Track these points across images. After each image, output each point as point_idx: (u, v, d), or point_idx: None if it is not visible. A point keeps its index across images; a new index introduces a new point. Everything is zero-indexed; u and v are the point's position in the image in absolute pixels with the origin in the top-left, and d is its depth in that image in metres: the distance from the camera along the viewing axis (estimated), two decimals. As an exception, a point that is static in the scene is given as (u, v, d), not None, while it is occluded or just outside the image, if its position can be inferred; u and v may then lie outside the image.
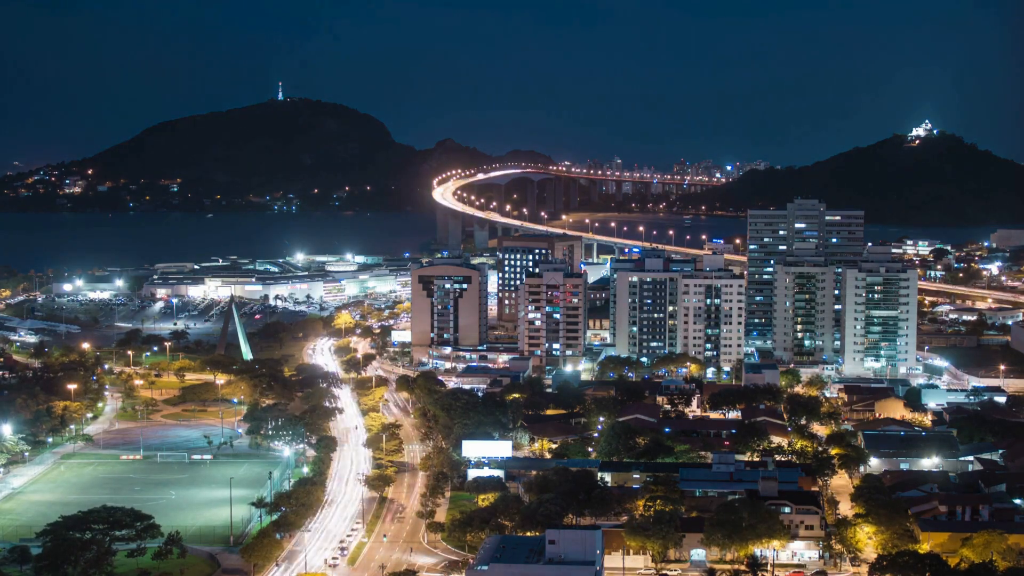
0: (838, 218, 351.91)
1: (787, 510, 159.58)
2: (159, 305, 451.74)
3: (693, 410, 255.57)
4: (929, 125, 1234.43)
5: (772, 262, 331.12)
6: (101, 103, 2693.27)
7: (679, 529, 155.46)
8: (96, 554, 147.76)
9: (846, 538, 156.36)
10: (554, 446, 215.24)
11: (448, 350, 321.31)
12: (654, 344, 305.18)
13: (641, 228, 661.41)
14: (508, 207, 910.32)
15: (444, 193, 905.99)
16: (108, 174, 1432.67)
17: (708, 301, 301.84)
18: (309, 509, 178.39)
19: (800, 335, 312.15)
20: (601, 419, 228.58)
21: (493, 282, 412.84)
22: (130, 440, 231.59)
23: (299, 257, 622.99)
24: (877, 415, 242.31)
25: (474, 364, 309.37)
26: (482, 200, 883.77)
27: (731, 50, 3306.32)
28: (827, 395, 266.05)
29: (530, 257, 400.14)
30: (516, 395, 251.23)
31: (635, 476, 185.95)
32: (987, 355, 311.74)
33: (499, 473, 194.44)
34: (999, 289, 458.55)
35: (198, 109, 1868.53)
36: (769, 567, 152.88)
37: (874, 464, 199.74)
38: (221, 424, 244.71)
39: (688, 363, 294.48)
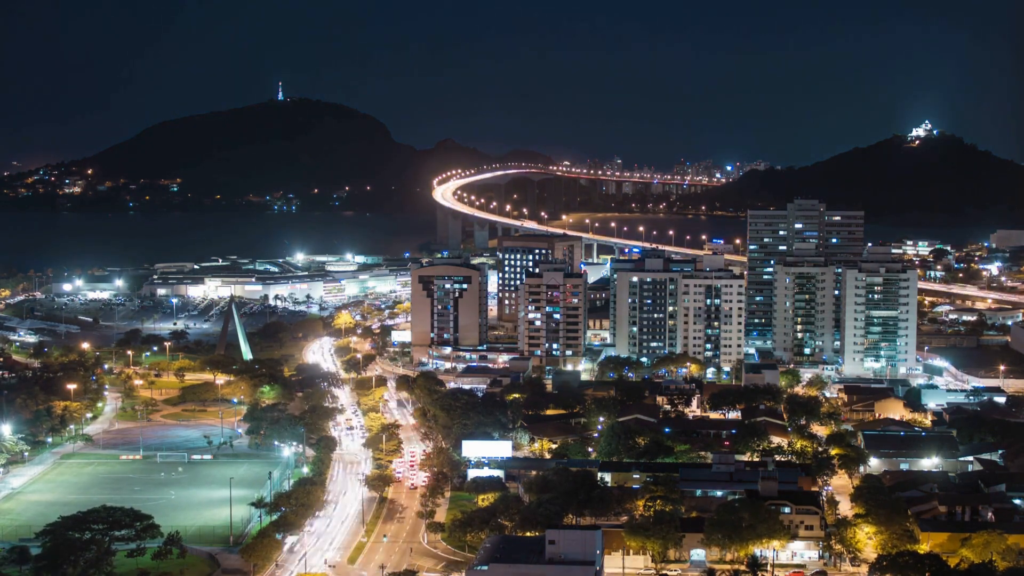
0: (838, 218, 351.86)
1: (787, 510, 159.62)
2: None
3: (693, 410, 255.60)
4: (929, 125, 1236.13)
5: (772, 262, 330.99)
6: (101, 103, 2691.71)
7: (679, 529, 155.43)
8: (96, 554, 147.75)
9: (846, 538, 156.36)
10: (554, 446, 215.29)
11: (448, 350, 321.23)
12: (654, 344, 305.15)
13: (641, 228, 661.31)
14: (508, 207, 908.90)
15: (444, 193, 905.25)
16: (108, 174, 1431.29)
17: (708, 301, 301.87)
18: (309, 509, 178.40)
19: (800, 335, 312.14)
20: (601, 419, 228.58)
21: (493, 282, 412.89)
22: (130, 440, 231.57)
23: (299, 257, 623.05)
24: (877, 415, 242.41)
25: (474, 364, 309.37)
26: (482, 200, 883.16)
27: (731, 50, 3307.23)
28: (827, 395, 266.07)
29: (530, 257, 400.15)
30: (516, 395, 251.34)
31: (635, 476, 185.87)
32: (987, 355, 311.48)
33: (499, 473, 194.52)
34: (999, 289, 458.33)
35: (198, 109, 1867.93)
36: (769, 567, 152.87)
37: (874, 464, 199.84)
38: (221, 424, 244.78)
39: (688, 363, 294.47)
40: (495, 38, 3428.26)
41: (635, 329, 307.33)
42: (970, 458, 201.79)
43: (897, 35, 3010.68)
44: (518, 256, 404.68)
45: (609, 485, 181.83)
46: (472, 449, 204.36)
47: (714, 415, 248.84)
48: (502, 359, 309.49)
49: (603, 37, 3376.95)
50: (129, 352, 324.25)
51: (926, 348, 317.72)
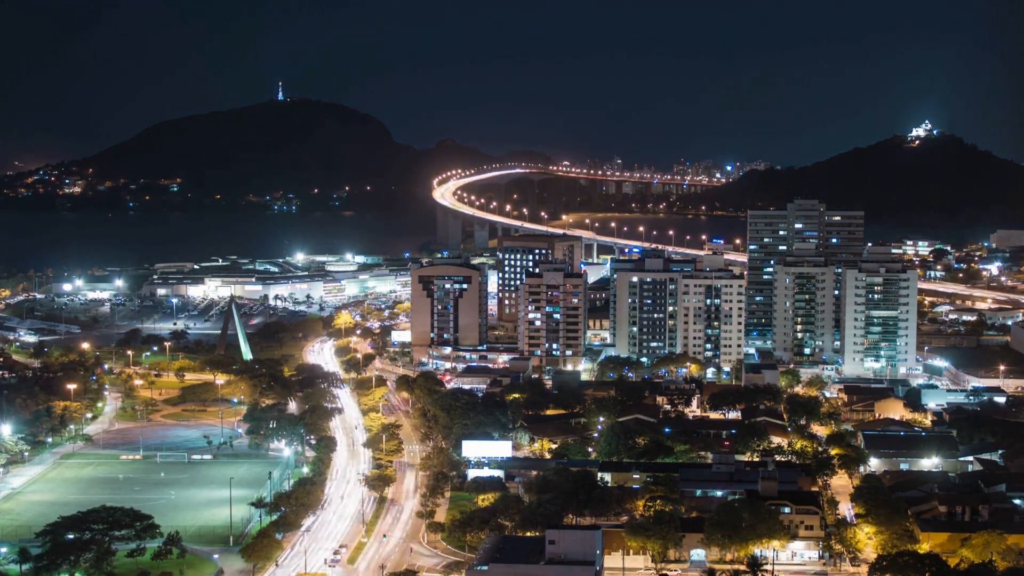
0: (838, 218, 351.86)
1: (787, 510, 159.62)
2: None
3: (693, 410, 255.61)
4: (929, 125, 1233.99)
5: (772, 262, 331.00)
6: (101, 103, 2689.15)
7: (679, 529, 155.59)
8: (96, 554, 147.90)
9: (846, 538, 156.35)
10: (554, 446, 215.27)
11: (448, 350, 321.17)
12: (654, 344, 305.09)
13: (641, 228, 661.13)
14: (508, 207, 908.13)
15: (444, 193, 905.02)
16: (108, 174, 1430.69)
17: (708, 301, 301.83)
18: (309, 509, 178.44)
19: (800, 335, 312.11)
20: (601, 419, 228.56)
21: (493, 282, 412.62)
22: (130, 440, 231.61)
23: (299, 257, 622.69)
24: (877, 415, 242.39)
25: (474, 364, 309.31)
26: (482, 200, 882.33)
27: (731, 49, 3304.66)
28: (827, 395, 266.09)
29: (530, 257, 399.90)
30: (516, 395, 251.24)
31: (635, 476, 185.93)
32: (987, 355, 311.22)
33: (499, 473, 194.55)
34: (999, 289, 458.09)
35: (198, 109, 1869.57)
36: (769, 567, 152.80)
37: (874, 464, 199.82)
38: (221, 424, 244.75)
39: (688, 363, 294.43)
40: (496, 39, 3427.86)
41: (635, 329, 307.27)
42: (970, 458, 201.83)
43: (897, 37, 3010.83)
44: (518, 256, 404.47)
45: (609, 485, 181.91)
46: (472, 449, 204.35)
47: (714, 415, 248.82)
48: (502, 359, 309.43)
49: (603, 36, 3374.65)
50: (129, 352, 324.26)
51: (926, 348, 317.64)
